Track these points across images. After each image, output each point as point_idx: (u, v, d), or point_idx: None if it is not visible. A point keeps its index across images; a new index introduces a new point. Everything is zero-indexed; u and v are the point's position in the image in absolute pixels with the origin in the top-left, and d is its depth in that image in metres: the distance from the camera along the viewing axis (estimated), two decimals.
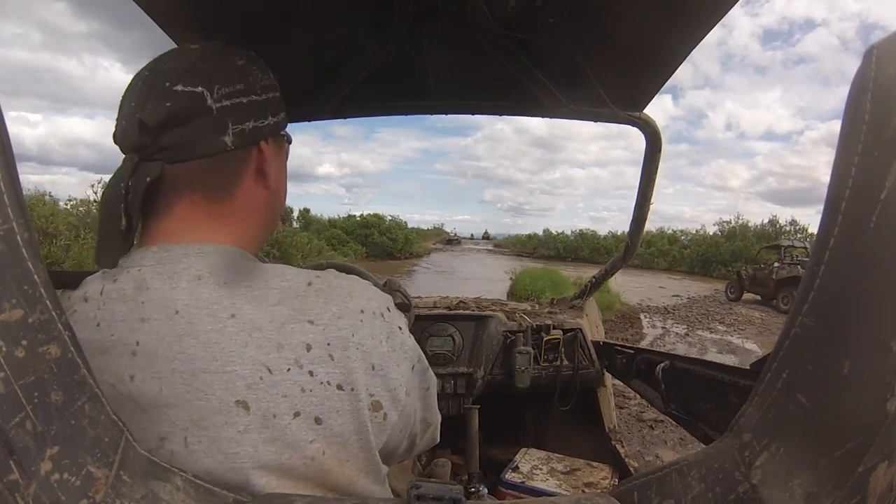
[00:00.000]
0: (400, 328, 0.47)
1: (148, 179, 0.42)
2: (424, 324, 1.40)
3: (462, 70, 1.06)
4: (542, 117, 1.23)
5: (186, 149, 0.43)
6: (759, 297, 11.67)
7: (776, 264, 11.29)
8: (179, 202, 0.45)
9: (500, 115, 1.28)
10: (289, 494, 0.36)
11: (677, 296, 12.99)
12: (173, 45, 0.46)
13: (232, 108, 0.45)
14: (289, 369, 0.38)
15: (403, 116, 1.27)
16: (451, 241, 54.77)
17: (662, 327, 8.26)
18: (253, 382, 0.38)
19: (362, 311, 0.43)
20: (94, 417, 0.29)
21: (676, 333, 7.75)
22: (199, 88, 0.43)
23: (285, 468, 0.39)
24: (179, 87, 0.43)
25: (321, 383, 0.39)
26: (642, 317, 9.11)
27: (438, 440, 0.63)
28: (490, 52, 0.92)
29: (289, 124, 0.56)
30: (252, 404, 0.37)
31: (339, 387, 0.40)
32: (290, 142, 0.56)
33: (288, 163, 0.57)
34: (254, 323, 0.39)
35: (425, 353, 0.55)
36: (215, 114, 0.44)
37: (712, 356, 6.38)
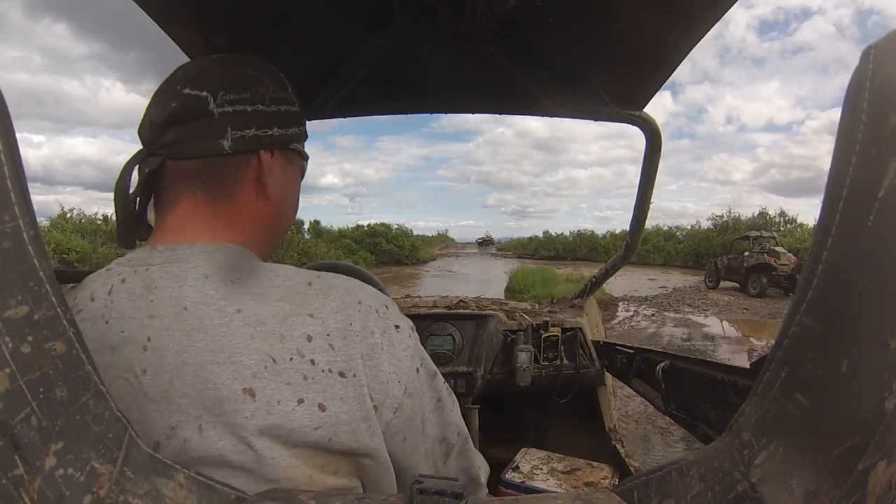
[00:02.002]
0: (397, 326, 0.47)
1: (147, 170, 0.46)
2: (424, 323, 1.40)
3: (462, 69, 1.06)
4: (542, 116, 1.23)
5: (185, 147, 0.46)
6: (736, 285, 12.20)
7: (746, 253, 11.93)
8: (183, 197, 0.48)
9: (500, 114, 1.27)
10: (290, 490, 0.36)
11: (663, 287, 13.59)
12: (174, 63, 0.48)
13: (234, 114, 0.47)
14: (291, 359, 0.40)
15: (403, 121, 1.27)
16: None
17: (635, 311, 9.09)
18: (258, 371, 0.40)
19: (360, 303, 0.45)
20: (99, 413, 0.29)
21: (644, 315, 8.64)
22: (204, 93, 0.46)
23: (293, 453, 0.40)
24: (187, 91, 0.46)
25: (322, 371, 0.41)
26: (620, 304, 9.86)
27: (487, 469, 0.61)
28: (490, 51, 0.92)
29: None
30: (258, 392, 0.39)
31: (342, 374, 0.42)
32: (306, 159, 0.57)
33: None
34: (258, 317, 0.41)
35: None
36: (216, 118, 0.46)
37: (668, 329, 7.21)
